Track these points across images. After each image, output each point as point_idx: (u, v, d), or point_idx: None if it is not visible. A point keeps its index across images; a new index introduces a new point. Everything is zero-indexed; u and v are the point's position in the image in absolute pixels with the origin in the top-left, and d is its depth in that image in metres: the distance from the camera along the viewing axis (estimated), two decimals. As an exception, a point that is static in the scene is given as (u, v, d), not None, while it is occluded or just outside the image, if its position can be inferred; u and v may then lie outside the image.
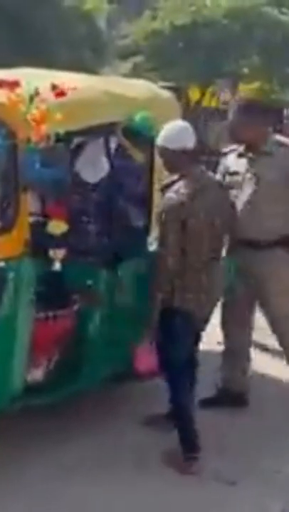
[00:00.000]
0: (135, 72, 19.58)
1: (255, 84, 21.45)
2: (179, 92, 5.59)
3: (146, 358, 4.46)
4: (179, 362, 4.42)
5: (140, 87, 5.44)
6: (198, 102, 20.93)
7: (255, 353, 5.55)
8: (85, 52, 19.55)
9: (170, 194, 4.31)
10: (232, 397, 5.11)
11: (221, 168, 5.11)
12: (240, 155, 5.01)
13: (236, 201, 4.87)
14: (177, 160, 4.38)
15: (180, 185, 4.32)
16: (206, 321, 4.66)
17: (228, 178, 4.99)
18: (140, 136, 4.69)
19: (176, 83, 17.12)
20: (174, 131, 4.41)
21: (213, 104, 20.69)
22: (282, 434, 4.84)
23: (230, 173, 5.00)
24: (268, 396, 5.32)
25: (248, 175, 4.90)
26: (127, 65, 21.04)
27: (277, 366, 5.63)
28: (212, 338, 5.58)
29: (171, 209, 4.27)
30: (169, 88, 5.65)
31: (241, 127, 4.91)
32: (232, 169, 4.99)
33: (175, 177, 4.42)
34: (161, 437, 4.58)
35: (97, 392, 4.80)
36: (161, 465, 4.36)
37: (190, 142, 4.41)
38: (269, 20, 21.23)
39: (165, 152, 4.43)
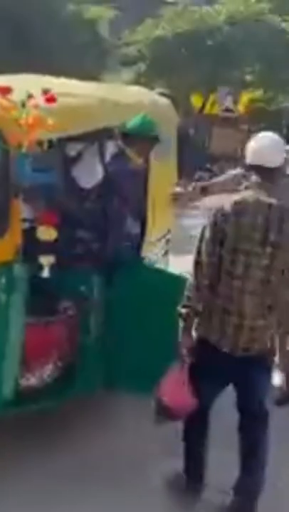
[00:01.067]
0: (138, 80, 19.58)
1: (258, 93, 21.53)
2: (174, 100, 5.56)
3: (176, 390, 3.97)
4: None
5: (136, 94, 5.45)
6: (201, 109, 20.99)
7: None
8: (88, 59, 19.55)
9: None
10: None
11: None
12: None
13: None
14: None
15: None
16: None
17: None
18: (141, 137, 4.69)
19: (178, 90, 17.16)
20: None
21: (215, 111, 20.74)
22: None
23: None
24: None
25: None
26: (129, 73, 21.05)
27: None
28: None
29: None
30: (165, 95, 5.63)
31: None
32: None
33: None
34: (152, 449, 4.57)
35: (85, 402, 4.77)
36: (149, 477, 4.32)
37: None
38: (272, 27, 21.22)
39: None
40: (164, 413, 4.01)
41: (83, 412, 4.85)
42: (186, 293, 3.94)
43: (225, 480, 4.06)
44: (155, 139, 4.79)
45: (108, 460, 4.48)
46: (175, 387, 3.93)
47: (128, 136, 4.66)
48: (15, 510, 3.93)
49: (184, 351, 3.95)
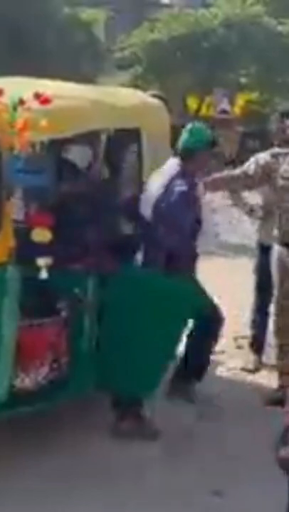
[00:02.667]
0: (134, 82, 19.59)
1: (254, 95, 21.56)
2: (167, 101, 5.55)
3: None
4: None
5: (129, 96, 5.45)
6: (197, 111, 21.01)
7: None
8: (83, 62, 19.57)
9: None
10: None
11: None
12: None
13: None
14: None
15: None
16: None
17: (281, 182, 5.10)
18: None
19: (174, 93, 17.18)
20: None
21: (211, 113, 20.78)
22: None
23: (284, 178, 5.09)
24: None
25: None
26: (125, 76, 21.05)
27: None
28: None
29: None
30: (158, 97, 5.62)
31: None
32: (286, 174, 5.08)
33: None
34: (149, 449, 4.58)
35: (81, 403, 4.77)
36: (141, 474, 4.33)
37: None
38: (268, 30, 21.25)
39: None
40: None
41: (78, 412, 4.85)
42: None
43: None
44: (212, 145, 4.84)
45: (104, 460, 4.48)
46: None
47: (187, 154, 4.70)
48: (10, 510, 3.93)
49: None
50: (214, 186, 5.42)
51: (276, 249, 5.23)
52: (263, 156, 5.25)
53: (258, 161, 5.23)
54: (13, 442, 4.48)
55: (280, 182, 5.10)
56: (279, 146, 5.38)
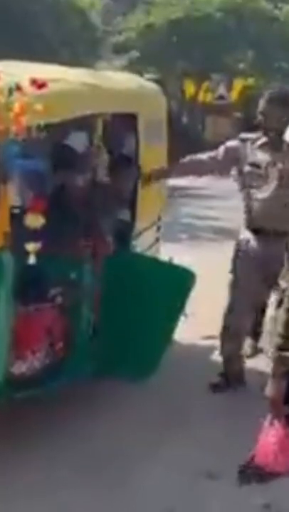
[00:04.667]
0: (130, 67, 19.53)
1: (250, 80, 21.49)
2: (164, 85, 5.53)
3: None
4: None
5: (126, 80, 5.42)
6: (194, 96, 20.95)
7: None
8: (80, 47, 19.51)
9: None
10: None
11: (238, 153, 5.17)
12: (262, 145, 5.08)
13: (258, 193, 5.02)
14: None
15: None
16: None
17: (248, 168, 5.10)
18: None
19: (171, 78, 17.12)
20: None
21: (208, 98, 20.73)
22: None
23: (251, 164, 5.09)
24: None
25: (270, 168, 5.01)
26: (121, 60, 20.99)
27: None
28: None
29: None
30: (155, 81, 5.61)
31: (273, 117, 4.94)
32: (253, 160, 5.08)
33: None
34: (154, 437, 4.60)
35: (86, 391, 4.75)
36: (151, 464, 4.33)
37: None
38: (264, 15, 21.20)
39: None
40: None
41: (84, 401, 4.88)
42: None
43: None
44: None
45: (109, 448, 4.50)
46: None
47: None
48: (14, 499, 3.93)
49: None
50: (183, 171, 5.42)
51: (244, 235, 5.23)
52: (232, 141, 5.27)
53: (226, 146, 5.26)
54: (19, 431, 4.49)
55: (247, 168, 5.10)
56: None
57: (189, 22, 20.43)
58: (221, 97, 20.68)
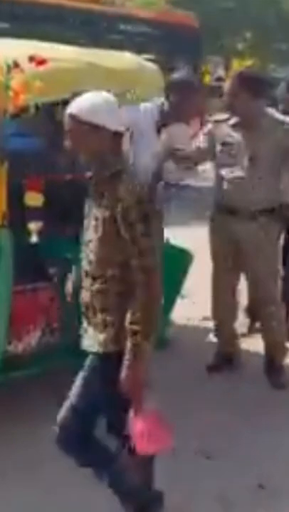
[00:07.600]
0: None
1: (249, 62, 21.39)
2: (161, 64, 5.51)
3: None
4: None
5: (124, 59, 5.37)
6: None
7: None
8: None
9: None
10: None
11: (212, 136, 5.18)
12: (234, 125, 5.07)
13: (229, 172, 5.02)
14: None
15: None
16: None
17: (219, 147, 5.10)
18: None
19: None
20: None
21: (207, 80, 20.64)
22: (263, 407, 4.84)
23: (223, 143, 5.10)
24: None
25: (242, 147, 5.00)
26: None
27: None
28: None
29: None
30: (152, 61, 5.57)
31: (239, 99, 4.94)
32: (225, 139, 5.09)
33: None
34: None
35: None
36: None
37: None
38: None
39: None
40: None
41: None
42: None
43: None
44: None
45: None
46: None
47: None
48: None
49: None
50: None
51: (214, 215, 5.26)
52: (207, 126, 5.30)
53: (203, 133, 5.27)
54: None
55: (219, 147, 5.12)
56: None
57: (188, 2, 20.29)
58: (219, 79, 20.58)
